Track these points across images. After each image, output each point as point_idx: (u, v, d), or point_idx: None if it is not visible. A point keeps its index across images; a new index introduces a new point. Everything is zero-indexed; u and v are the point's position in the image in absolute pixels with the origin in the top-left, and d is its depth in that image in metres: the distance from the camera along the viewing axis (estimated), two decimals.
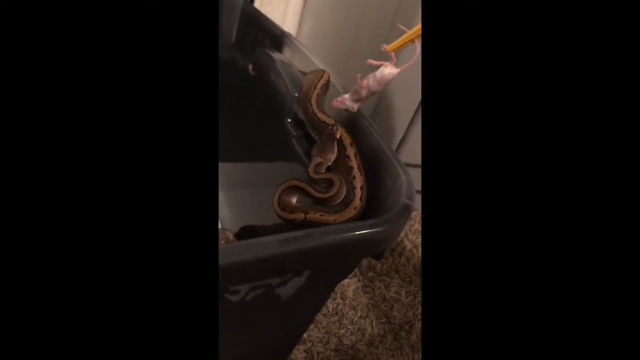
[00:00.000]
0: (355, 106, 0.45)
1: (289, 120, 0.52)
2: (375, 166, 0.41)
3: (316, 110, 0.48)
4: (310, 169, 0.43)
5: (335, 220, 0.38)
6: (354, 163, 0.42)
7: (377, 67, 0.43)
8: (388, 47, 0.41)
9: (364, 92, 0.43)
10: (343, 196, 0.41)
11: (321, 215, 0.38)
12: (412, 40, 0.40)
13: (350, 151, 0.43)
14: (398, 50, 0.41)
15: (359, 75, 0.43)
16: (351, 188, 0.41)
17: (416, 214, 1.01)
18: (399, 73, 0.42)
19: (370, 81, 0.42)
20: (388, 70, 0.42)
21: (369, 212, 0.39)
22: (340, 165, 0.44)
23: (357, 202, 0.39)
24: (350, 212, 0.38)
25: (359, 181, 0.41)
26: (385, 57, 0.43)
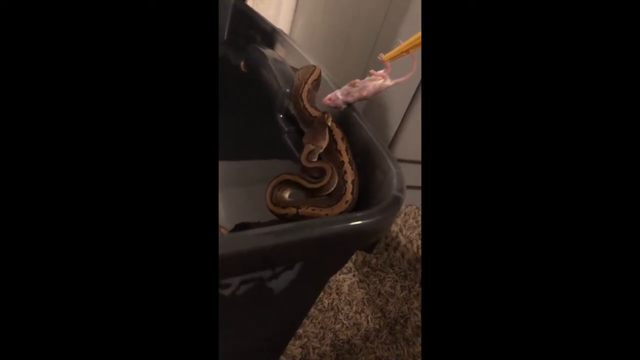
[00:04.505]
0: (344, 106, 0.47)
1: (281, 115, 0.52)
2: (366, 159, 0.41)
3: (307, 105, 0.48)
4: (303, 158, 0.43)
5: (327, 214, 0.38)
6: (345, 157, 0.43)
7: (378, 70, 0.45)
8: (384, 57, 0.44)
9: (363, 94, 0.45)
10: (335, 185, 0.41)
11: (313, 209, 0.38)
12: (407, 51, 0.42)
13: (342, 146, 0.44)
14: (393, 60, 0.44)
15: (372, 70, 0.45)
16: (343, 182, 0.41)
17: (410, 209, 1.02)
18: (393, 84, 0.45)
19: (369, 88, 0.45)
20: (387, 82, 0.45)
21: (360, 204, 0.39)
22: (332, 159, 0.44)
23: (348, 196, 0.39)
24: (342, 206, 0.39)
25: (350, 175, 0.41)
26: (379, 65, 0.45)
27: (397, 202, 0.33)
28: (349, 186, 0.40)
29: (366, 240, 0.33)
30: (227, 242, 0.26)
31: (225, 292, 0.30)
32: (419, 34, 0.41)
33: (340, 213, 0.38)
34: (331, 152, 0.44)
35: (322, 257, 0.35)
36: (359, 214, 0.31)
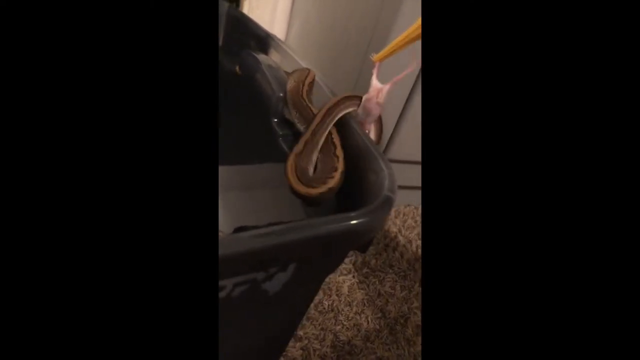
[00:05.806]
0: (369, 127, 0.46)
1: (275, 120, 0.53)
2: (358, 160, 0.42)
3: (309, 104, 0.49)
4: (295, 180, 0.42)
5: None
6: (341, 165, 0.43)
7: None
8: (375, 57, 0.41)
9: (376, 114, 0.44)
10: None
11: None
12: (401, 48, 0.39)
13: (340, 152, 0.44)
14: (386, 59, 0.42)
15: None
16: (332, 169, 0.41)
17: (409, 210, 1.02)
18: (392, 86, 0.43)
19: (374, 111, 0.44)
20: (385, 88, 0.43)
21: (352, 204, 0.40)
22: (328, 163, 0.44)
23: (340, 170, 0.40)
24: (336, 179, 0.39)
25: (340, 166, 0.42)
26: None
27: (388, 201, 0.34)
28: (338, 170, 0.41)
29: (359, 240, 0.34)
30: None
31: (220, 295, 0.30)
32: (414, 26, 0.38)
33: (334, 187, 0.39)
34: (328, 155, 0.45)
35: (316, 258, 0.35)
36: (350, 214, 0.32)
